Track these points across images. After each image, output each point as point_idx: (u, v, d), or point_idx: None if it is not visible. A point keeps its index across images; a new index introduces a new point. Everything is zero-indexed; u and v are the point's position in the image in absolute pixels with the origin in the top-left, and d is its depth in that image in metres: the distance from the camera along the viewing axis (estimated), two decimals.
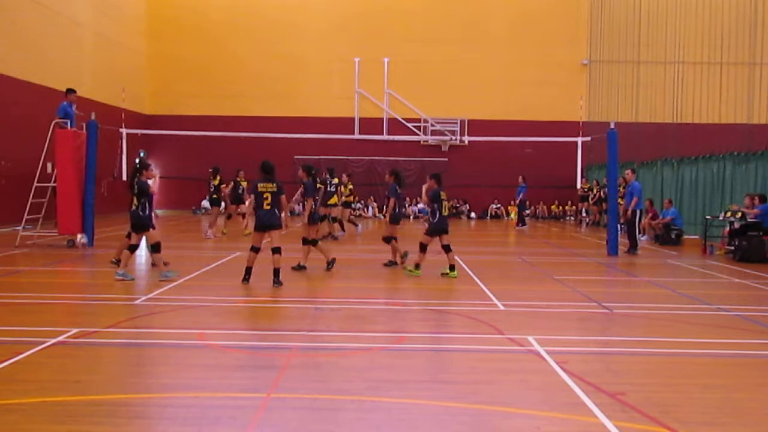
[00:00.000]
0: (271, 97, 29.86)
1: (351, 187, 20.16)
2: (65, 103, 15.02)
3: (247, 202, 18.67)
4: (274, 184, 9.97)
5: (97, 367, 5.84)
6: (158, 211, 29.72)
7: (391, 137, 28.04)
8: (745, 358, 6.41)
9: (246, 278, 9.99)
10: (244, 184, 18.88)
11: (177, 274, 10.51)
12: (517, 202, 24.34)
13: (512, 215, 29.17)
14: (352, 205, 21.71)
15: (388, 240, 12.45)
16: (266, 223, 9.92)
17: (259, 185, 9.98)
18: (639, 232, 16.29)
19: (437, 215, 11.10)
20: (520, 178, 24.19)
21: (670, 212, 18.10)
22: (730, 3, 29.86)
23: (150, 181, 10.43)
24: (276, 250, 9.88)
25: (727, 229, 15.66)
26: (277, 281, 9.84)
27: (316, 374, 5.64)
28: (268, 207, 9.90)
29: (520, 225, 23.89)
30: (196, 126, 25.55)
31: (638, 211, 15.96)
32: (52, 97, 19.17)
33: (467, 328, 7.50)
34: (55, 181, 14.65)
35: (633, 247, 15.54)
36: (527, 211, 26.46)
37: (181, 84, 30.10)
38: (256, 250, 10.03)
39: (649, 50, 30.13)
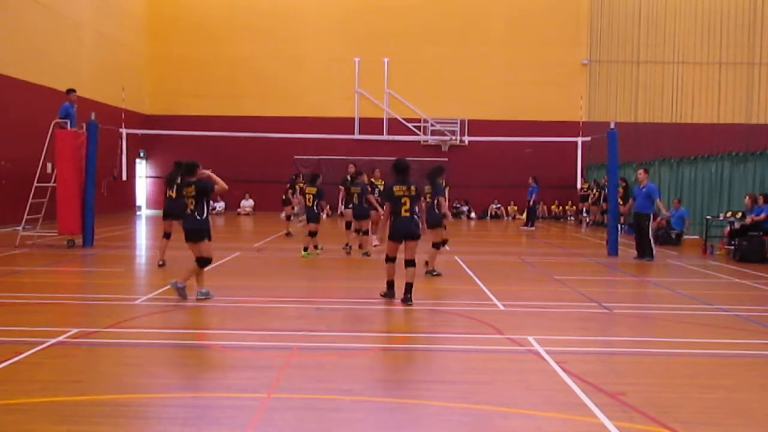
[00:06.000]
0: (271, 97, 29.85)
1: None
2: (67, 103, 15.02)
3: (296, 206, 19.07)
4: (413, 187, 8.67)
5: (97, 367, 5.83)
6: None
7: (391, 137, 28.01)
8: (745, 358, 6.41)
9: (388, 293, 8.88)
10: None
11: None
12: (530, 203, 23.93)
13: (517, 215, 29.15)
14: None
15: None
16: (406, 231, 8.66)
17: (394, 188, 8.67)
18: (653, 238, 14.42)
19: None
20: (531, 179, 23.90)
21: (680, 211, 18.01)
22: (729, 3, 29.89)
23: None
24: (410, 263, 8.63)
25: (727, 229, 15.66)
26: (407, 298, 8.54)
27: (316, 374, 5.64)
28: (407, 214, 8.63)
29: (528, 225, 23.69)
30: (196, 126, 25.54)
31: (650, 215, 14.30)
32: (52, 97, 19.16)
33: (467, 328, 7.50)
34: (55, 181, 14.65)
35: (646, 253, 14.11)
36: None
37: (181, 84, 30.09)
38: (392, 260, 8.90)
39: (648, 50, 30.15)
